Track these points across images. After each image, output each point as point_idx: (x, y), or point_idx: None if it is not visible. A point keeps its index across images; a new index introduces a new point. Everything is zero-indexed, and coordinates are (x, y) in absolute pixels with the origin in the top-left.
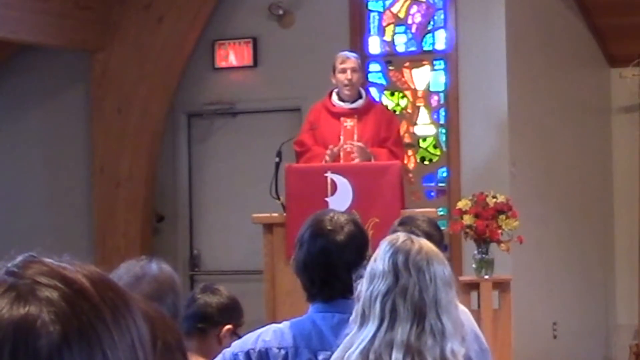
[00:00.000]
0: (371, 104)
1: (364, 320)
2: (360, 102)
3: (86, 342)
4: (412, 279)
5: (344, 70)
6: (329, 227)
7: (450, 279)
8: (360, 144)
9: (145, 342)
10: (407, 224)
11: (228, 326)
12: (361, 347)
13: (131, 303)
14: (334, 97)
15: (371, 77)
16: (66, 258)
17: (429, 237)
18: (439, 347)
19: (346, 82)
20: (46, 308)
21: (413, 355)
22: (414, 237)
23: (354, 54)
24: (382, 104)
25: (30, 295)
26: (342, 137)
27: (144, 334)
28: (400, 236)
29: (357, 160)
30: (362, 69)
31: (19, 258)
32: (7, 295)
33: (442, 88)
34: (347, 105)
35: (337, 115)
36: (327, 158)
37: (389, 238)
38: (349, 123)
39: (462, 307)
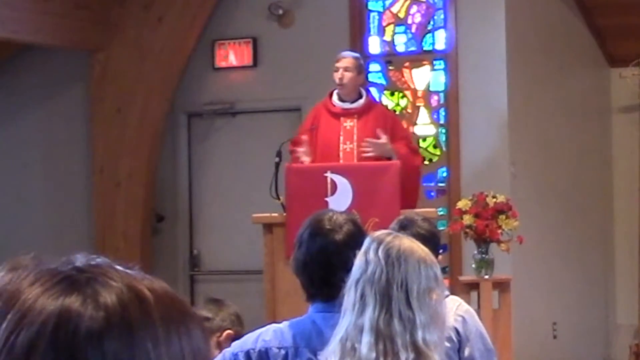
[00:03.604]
0: (371, 104)
1: (344, 312)
2: (360, 102)
3: (129, 340)
4: (380, 265)
5: (337, 69)
6: (328, 227)
7: (428, 272)
8: (381, 140)
9: None
10: (409, 228)
11: (228, 331)
12: (339, 335)
13: (191, 324)
14: (334, 97)
15: (371, 77)
16: (137, 269)
17: (433, 235)
18: (408, 334)
19: (337, 81)
20: (95, 297)
21: (384, 341)
22: (399, 234)
23: (352, 53)
24: (382, 104)
25: (85, 286)
26: (341, 137)
27: (198, 357)
28: (384, 231)
29: (370, 154)
30: (361, 68)
31: (87, 257)
32: (61, 284)
33: (442, 88)
34: (346, 105)
35: (337, 115)
36: (301, 157)
37: (373, 234)
38: (348, 123)
39: (467, 307)
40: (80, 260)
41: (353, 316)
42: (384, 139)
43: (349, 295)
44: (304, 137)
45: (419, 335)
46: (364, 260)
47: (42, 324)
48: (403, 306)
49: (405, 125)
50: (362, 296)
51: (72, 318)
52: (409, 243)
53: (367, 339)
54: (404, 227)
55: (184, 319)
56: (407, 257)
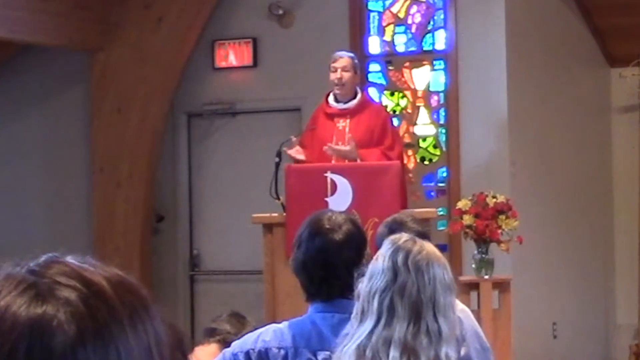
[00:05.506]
0: (366, 103)
1: (362, 317)
2: (353, 102)
3: (101, 342)
4: (411, 278)
5: (334, 70)
6: (327, 226)
7: (451, 283)
8: (343, 147)
9: (163, 346)
10: (398, 231)
11: None
12: (357, 342)
13: (150, 307)
14: (330, 98)
15: (371, 77)
16: (89, 259)
17: (423, 237)
18: (433, 349)
19: (336, 81)
20: (63, 308)
21: (409, 354)
22: (417, 238)
23: (348, 53)
24: (379, 104)
25: (48, 295)
26: (334, 138)
27: (162, 338)
28: (404, 236)
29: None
30: (358, 68)
31: (42, 257)
32: (26, 293)
33: (442, 88)
34: (340, 106)
35: (332, 116)
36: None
37: (391, 237)
38: (341, 123)
39: (462, 306)
40: (32, 263)
41: (379, 327)
42: (349, 146)
43: (372, 304)
44: (294, 139)
45: (443, 350)
46: (391, 269)
47: (14, 342)
48: (431, 320)
49: (405, 126)
50: (391, 308)
51: (45, 334)
52: (432, 250)
53: (393, 353)
54: (393, 230)
55: (144, 303)
56: (435, 270)
